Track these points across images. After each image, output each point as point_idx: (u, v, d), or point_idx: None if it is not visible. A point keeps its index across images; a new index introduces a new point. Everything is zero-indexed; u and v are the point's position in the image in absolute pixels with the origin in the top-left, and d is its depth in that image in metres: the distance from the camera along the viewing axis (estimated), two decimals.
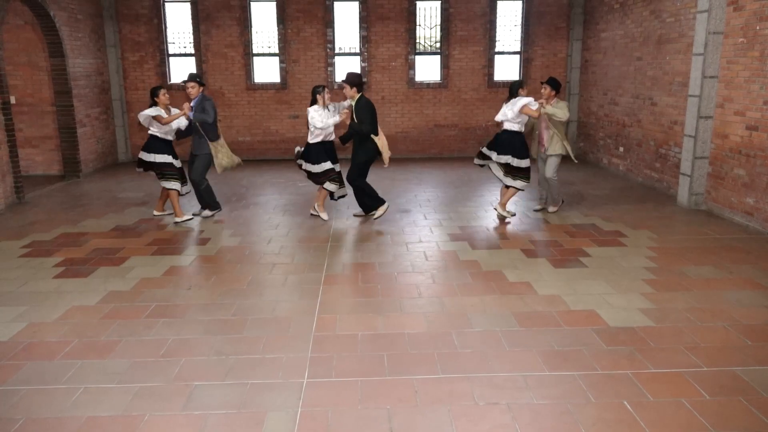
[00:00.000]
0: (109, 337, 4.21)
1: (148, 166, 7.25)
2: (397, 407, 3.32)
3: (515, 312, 4.59)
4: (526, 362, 3.81)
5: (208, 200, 7.59)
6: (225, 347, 4.05)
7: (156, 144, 7.22)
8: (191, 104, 7.25)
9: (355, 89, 6.97)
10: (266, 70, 12.33)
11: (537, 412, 3.26)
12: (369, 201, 7.41)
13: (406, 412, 3.28)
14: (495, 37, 12.28)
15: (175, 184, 7.29)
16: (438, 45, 12.39)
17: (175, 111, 7.26)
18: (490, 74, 12.42)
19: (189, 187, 7.57)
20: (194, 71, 7.27)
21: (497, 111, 12.46)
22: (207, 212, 7.62)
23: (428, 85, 12.43)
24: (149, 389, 3.53)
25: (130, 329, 4.34)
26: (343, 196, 7.48)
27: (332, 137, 7.21)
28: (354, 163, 7.22)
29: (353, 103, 7.03)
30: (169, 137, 7.30)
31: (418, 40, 12.34)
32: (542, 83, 7.34)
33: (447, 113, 12.54)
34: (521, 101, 6.92)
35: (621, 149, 10.36)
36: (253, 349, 4.01)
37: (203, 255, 6.15)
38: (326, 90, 7.07)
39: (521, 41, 12.38)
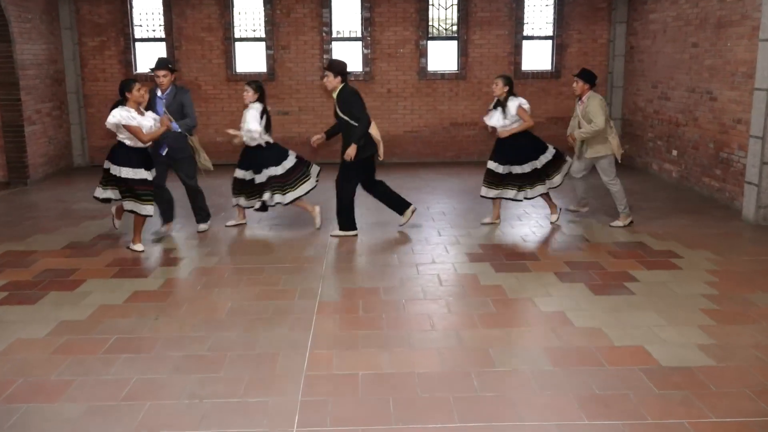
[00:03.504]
0: (61, 376, 4.21)
1: (115, 181, 6.71)
2: None
3: (547, 348, 4.57)
4: (560, 409, 3.79)
5: (202, 208, 7.64)
6: (199, 389, 4.04)
7: (124, 154, 6.64)
8: (162, 96, 7.14)
9: (339, 78, 7.08)
10: (250, 58, 12.42)
11: None
12: (342, 217, 7.43)
13: None
14: (523, 18, 12.35)
15: (150, 209, 6.73)
16: (455, 28, 12.46)
17: (149, 114, 6.72)
18: (517, 63, 12.47)
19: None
20: (164, 56, 7.16)
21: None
22: (203, 226, 7.66)
23: (443, 76, 12.49)
24: None
25: (85, 367, 4.34)
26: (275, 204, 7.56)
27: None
28: (346, 164, 7.23)
29: (335, 95, 7.15)
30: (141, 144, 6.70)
31: (431, 23, 12.41)
32: (574, 76, 7.54)
33: (465, 109, 12.58)
34: (515, 103, 7.33)
35: (674, 153, 10.36)
36: (233, 392, 4.01)
37: (174, 278, 6.16)
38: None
39: (554, 24, 12.44)
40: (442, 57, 12.56)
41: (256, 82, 7.54)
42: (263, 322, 5.10)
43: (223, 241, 7.37)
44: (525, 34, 12.45)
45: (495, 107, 7.53)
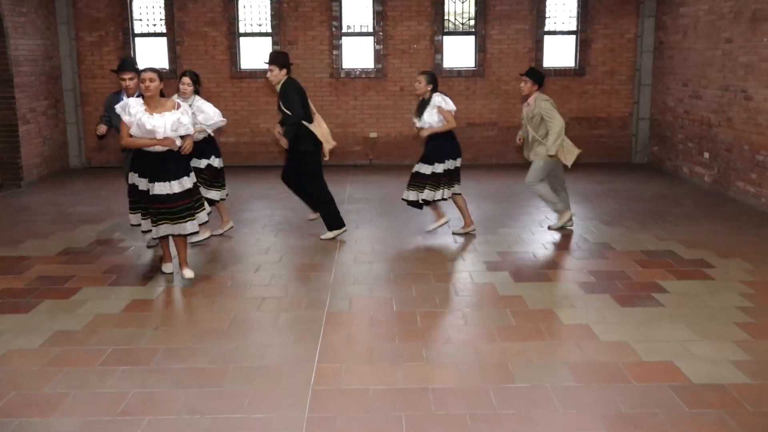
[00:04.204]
0: (55, 389, 4.23)
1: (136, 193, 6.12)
2: None
3: (571, 363, 4.55)
4: (584, 428, 3.77)
5: None
6: (200, 404, 4.05)
7: (135, 156, 6.09)
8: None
9: (284, 71, 7.24)
10: (256, 54, 12.47)
11: None
12: (325, 215, 7.63)
13: None
14: (544, 12, 12.34)
15: (188, 226, 6.05)
16: (472, 23, 12.47)
17: (171, 115, 5.82)
18: (538, 59, 12.45)
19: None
20: (124, 58, 6.71)
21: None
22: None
23: (459, 73, 12.49)
24: None
25: (81, 379, 4.36)
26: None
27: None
28: (300, 164, 7.45)
29: (278, 88, 7.28)
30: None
31: (446, 17, 12.43)
32: (521, 75, 7.56)
33: (483, 108, 12.57)
34: (436, 100, 7.30)
35: (706, 155, 10.30)
36: (236, 407, 4.01)
37: (173, 286, 6.18)
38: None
39: (578, 18, 12.42)
40: (459, 53, 12.56)
41: (193, 72, 7.32)
42: (268, 334, 5.11)
43: (226, 248, 7.39)
44: (547, 29, 12.44)
45: (419, 107, 7.45)
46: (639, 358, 4.61)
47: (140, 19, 12.42)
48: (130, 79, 6.62)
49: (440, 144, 7.44)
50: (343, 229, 7.67)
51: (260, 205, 9.44)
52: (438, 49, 12.39)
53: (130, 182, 6.14)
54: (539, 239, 7.60)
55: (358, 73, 12.41)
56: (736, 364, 4.50)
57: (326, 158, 7.64)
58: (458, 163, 7.57)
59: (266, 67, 7.28)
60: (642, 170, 11.88)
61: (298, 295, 5.92)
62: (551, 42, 12.55)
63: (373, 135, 12.49)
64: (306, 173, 7.51)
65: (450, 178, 7.48)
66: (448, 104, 7.34)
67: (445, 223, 7.75)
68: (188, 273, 6.17)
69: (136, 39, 12.43)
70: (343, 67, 12.42)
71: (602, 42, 12.45)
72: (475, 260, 6.88)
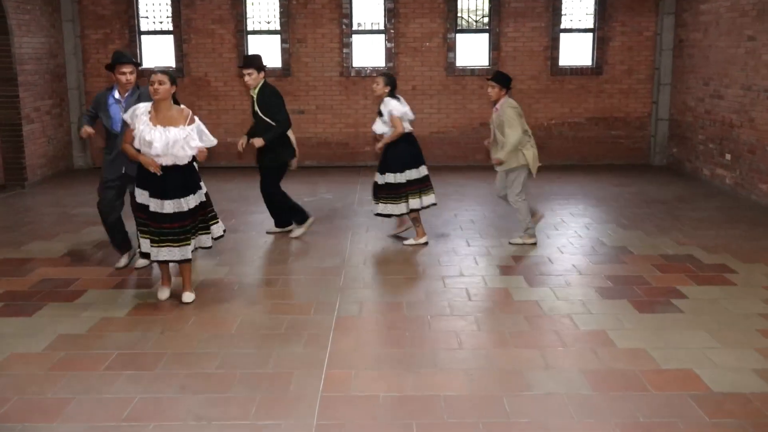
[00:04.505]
0: (58, 394, 4.26)
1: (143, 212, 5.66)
2: None
3: (587, 370, 4.54)
4: None
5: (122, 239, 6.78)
6: (206, 410, 4.07)
7: (137, 169, 5.73)
8: (123, 99, 6.27)
9: (262, 74, 7.39)
10: (264, 52, 12.47)
11: None
12: (290, 215, 7.87)
13: None
14: (561, 9, 12.32)
15: (182, 251, 5.62)
16: (486, 20, 12.46)
17: (176, 131, 5.45)
18: (554, 58, 12.43)
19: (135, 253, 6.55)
20: (121, 50, 6.10)
21: (562, 105, 12.52)
22: (124, 260, 6.79)
23: (473, 72, 12.48)
24: None
25: (85, 384, 4.38)
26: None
27: None
28: (265, 169, 7.66)
29: (255, 93, 7.39)
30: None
31: (460, 14, 12.43)
32: (488, 79, 7.39)
33: None
34: (389, 105, 7.15)
35: (727, 157, 10.25)
36: (243, 414, 4.02)
37: (180, 290, 6.20)
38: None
39: (595, 15, 12.39)
40: (472, 51, 12.56)
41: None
42: (276, 339, 5.12)
43: (233, 250, 7.41)
44: (563, 26, 12.41)
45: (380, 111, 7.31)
46: (657, 366, 4.59)
47: (146, 17, 12.47)
48: (131, 73, 6.20)
49: (405, 149, 7.30)
50: (313, 218, 7.90)
51: None
52: (451, 47, 12.38)
53: (138, 201, 5.66)
54: (554, 243, 7.58)
55: (368, 71, 12.42)
56: (758, 373, 4.48)
57: (294, 167, 7.83)
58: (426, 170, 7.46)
59: (247, 70, 7.31)
60: (661, 172, 11.83)
61: (307, 298, 5.93)
62: (568, 40, 12.52)
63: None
64: (273, 183, 7.65)
65: (429, 183, 7.44)
66: (397, 109, 7.13)
67: (406, 229, 7.74)
68: (187, 297, 5.80)
69: (143, 37, 12.49)
70: (354, 65, 12.44)
71: (620, 40, 12.41)
72: (489, 264, 6.88)
